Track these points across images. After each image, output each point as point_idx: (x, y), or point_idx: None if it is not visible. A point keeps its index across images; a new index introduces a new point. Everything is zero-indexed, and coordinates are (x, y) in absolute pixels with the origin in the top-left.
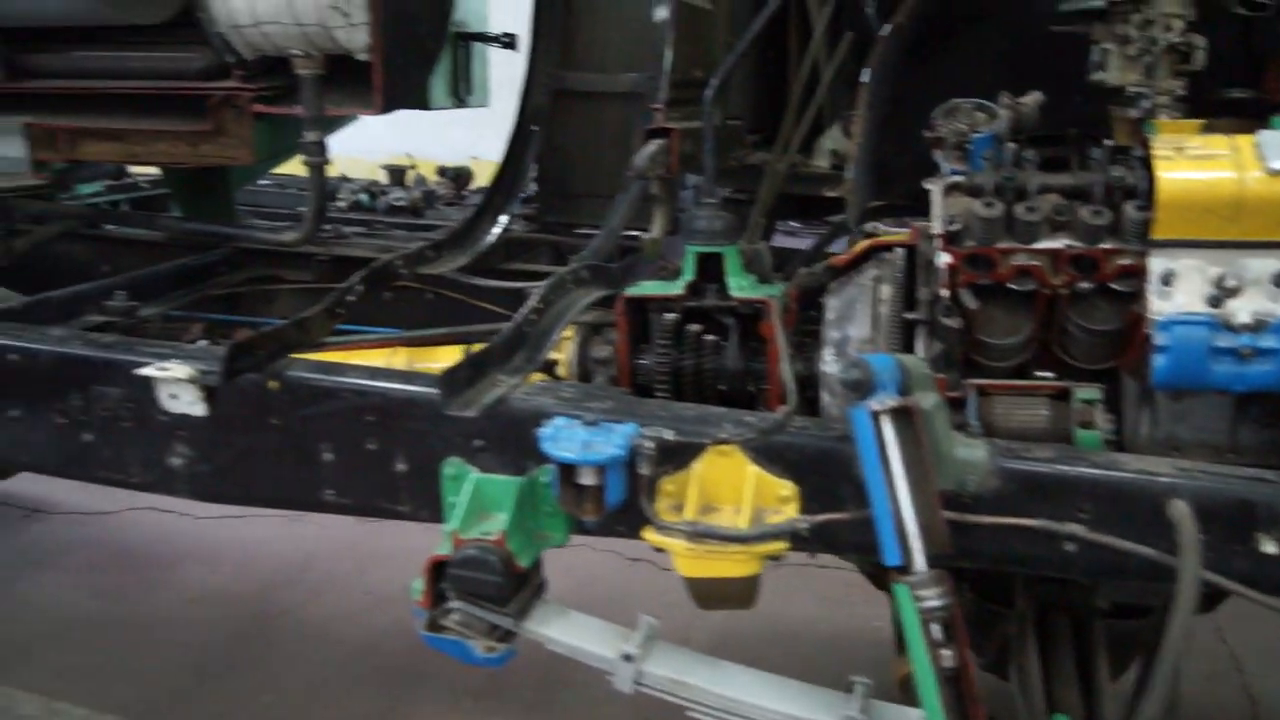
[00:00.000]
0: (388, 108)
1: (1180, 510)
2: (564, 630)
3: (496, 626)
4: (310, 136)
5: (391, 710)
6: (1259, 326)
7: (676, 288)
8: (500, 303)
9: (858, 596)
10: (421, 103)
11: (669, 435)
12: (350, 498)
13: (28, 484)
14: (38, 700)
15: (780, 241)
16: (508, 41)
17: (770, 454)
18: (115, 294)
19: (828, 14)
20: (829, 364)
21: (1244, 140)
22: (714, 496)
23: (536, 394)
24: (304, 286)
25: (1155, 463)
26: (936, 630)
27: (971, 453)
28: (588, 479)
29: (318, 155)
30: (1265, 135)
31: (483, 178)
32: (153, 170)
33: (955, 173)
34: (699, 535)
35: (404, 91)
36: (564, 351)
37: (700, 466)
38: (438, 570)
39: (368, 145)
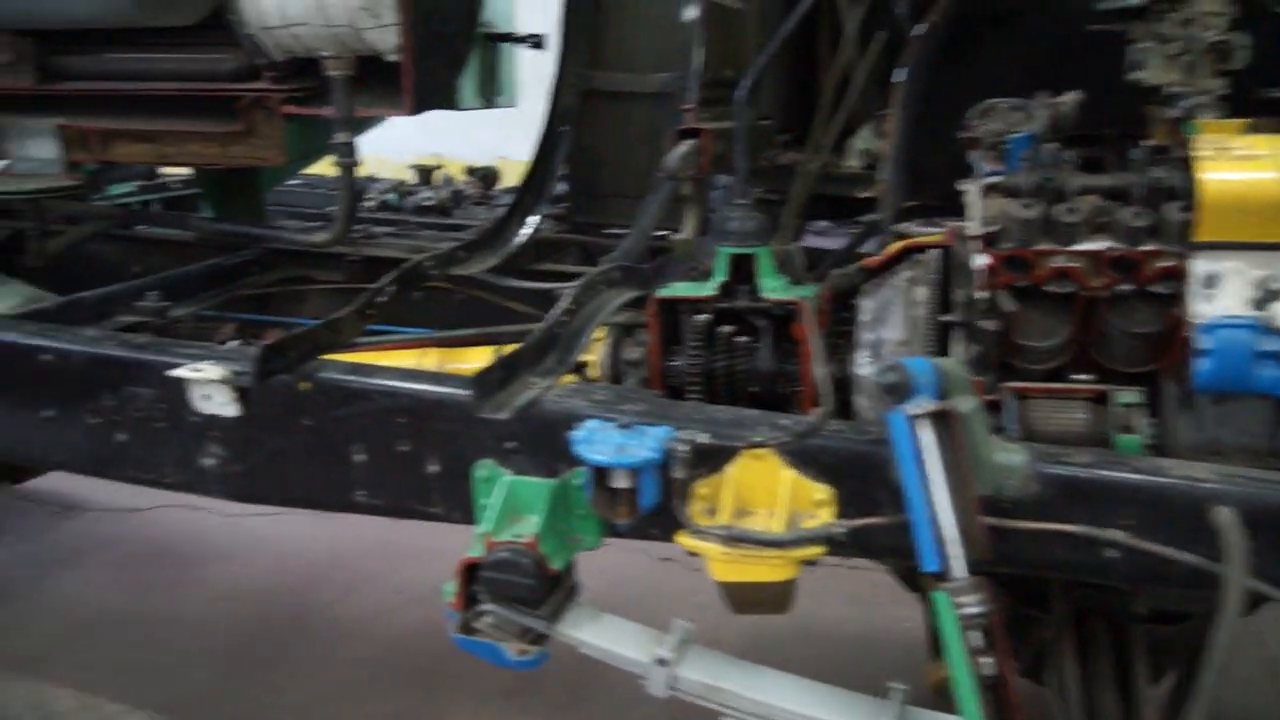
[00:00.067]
0: (418, 109)
1: (1226, 517)
2: (597, 634)
3: (529, 629)
4: (340, 137)
5: (421, 709)
6: None
7: (708, 289)
8: (530, 303)
9: (887, 596)
10: (450, 103)
11: (703, 438)
12: (382, 499)
13: (60, 481)
14: (70, 695)
15: (810, 242)
16: (536, 42)
17: (805, 457)
18: (147, 294)
19: (859, 14)
20: (863, 366)
21: None
22: (748, 500)
23: (569, 396)
24: (335, 287)
25: (1198, 468)
26: (976, 637)
27: (1010, 457)
28: (621, 482)
29: (348, 156)
30: None
31: (510, 178)
32: (184, 171)
33: (992, 174)
34: (734, 540)
35: (433, 92)
36: (595, 353)
37: (734, 470)
38: (470, 573)
39: (396, 145)
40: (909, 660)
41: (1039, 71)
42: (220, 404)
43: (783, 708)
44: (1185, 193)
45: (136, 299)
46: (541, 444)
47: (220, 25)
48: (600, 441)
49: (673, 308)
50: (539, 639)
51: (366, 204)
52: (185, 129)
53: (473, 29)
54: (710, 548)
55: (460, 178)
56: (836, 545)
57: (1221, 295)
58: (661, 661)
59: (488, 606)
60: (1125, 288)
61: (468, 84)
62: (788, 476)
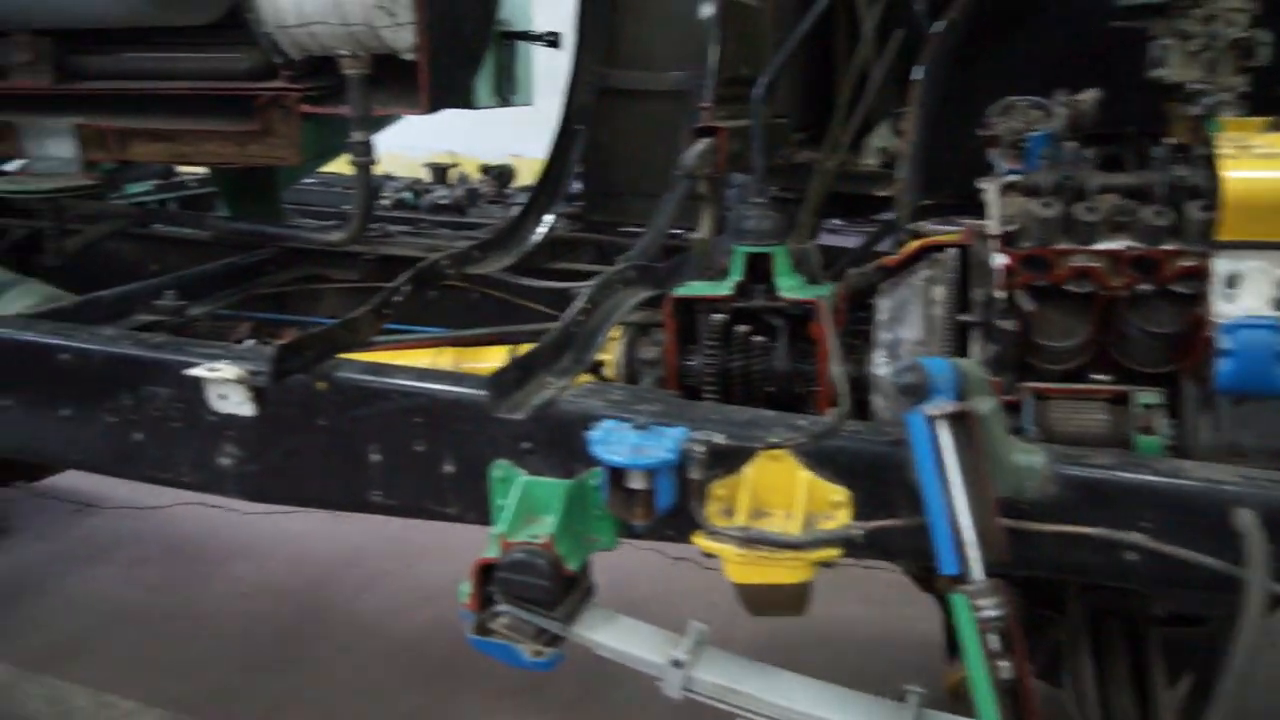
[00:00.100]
0: (434, 107)
1: (1248, 520)
2: (612, 635)
3: (544, 630)
4: (357, 136)
5: (436, 706)
6: None
7: (725, 288)
8: (545, 302)
9: (900, 597)
10: (466, 102)
11: (720, 439)
12: (397, 499)
13: (78, 479)
14: (88, 693)
15: (824, 240)
16: (551, 40)
17: (822, 458)
18: (164, 293)
19: (878, 12)
20: (881, 366)
21: None
22: (765, 501)
23: (585, 396)
24: (350, 285)
25: (1220, 470)
26: (994, 640)
27: (1029, 458)
28: (637, 483)
29: (364, 155)
30: None
31: (525, 176)
32: (200, 169)
33: (1011, 172)
34: (751, 541)
35: (450, 91)
36: (611, 352)
37: (751, 471)
38: (485, 573)
39: (411, 143)
40: (923, 661)
41: (1058, 69)
42: (236, 403)
43: (799, 711)
44: (1207, 191)
45: (154, 298)
46: (557, 444)
47: (237, 24)
48: (617, 442)
49: (689, 307)
50: (554, 640)
51: (382, 202)
52: (202, 128)
53: (489, 28)
54: (727, 549)
55: (475, 176)
56: (854, 547)
57: (1244, 295)
58: (677, 663)
59: (503, 607)
60: (1146, 287)
61: (483, 82)
62: (804, 478)
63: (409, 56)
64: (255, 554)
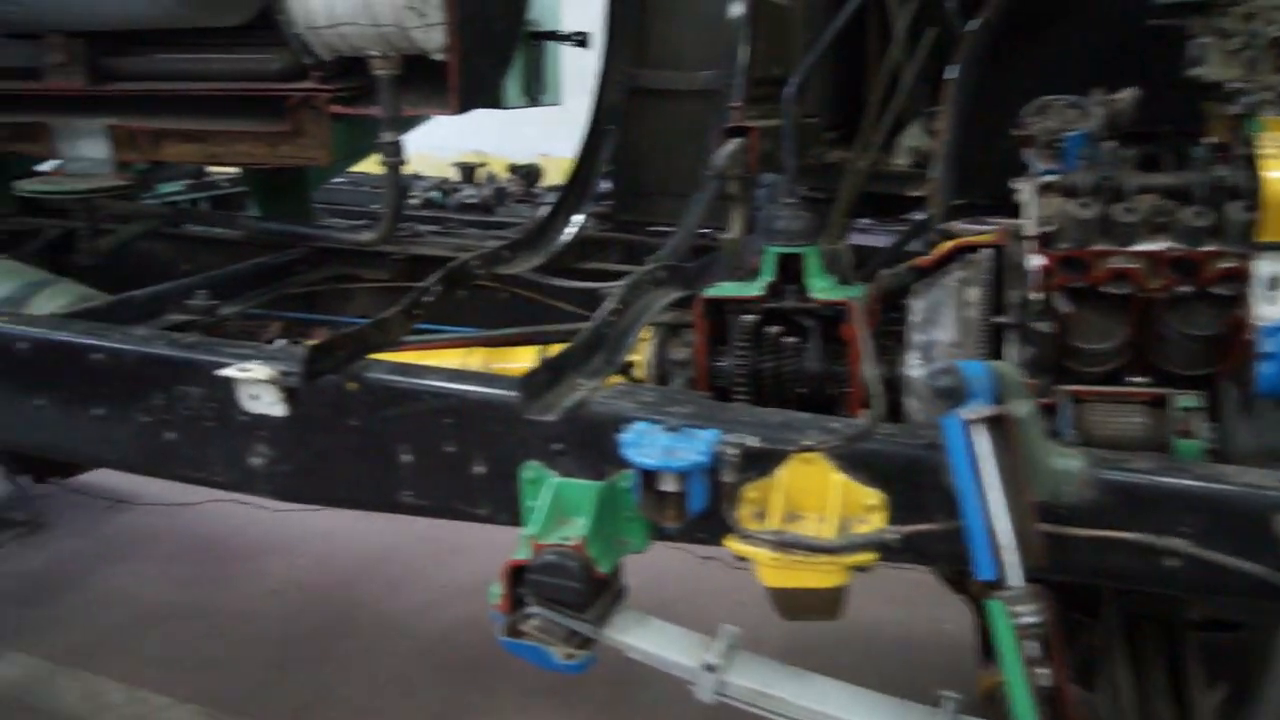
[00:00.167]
0: (464, 108)
1: None
2: (644, 638)
3: (576, 633)
4: (387, 137)
5: (467, 704)
6: None
7: (756, 289)
8: (575, 302)
9: (927, 598)
10: (496, 102)
11: (753, 442)
12: (428, 499)
13: (111, 476)
14: (122, 689)
15: (854, 240)
16: (580, 40)
17: (856, 461)
18: (196, 293)
19: (910, 11)
20: (914, 368)
21: None
22: (798, 505)
23: (617, 398)
24: (380, 285)
25: (1261, 475)
26: (1032, 647)
27: (1067, 462)
28: (669, 486)
29: (394, 155)
30: None
31: (553, 175)
32: (231, 169)
33: (1048, 172)
34: (785, 545)
35: (479, 91)
36: (641, 353)
37: (784, 474)
38: (516, 575)
39: (439, 142)
40: (951, 663)
41: (1092, 67)
42: (268, 404)
43: (832, 715)
44: (1248, 192)
45: (185, 297)
46: (589, 446)
47: (268, 25)
48: (648, 444)
49: (719, 308)
50: (586, 643)
51: (411, 202)
52: (233, 129)
53: (518, 28)
54: (760, 553)
55: (503, 175)
56: (889, 551)
57: None
58: (709, 667)
59: (534, 609)
60: (1185, 289)
61: (512, 82)
62: (838, 481)
63: (439, 57)
64: (285, 551)
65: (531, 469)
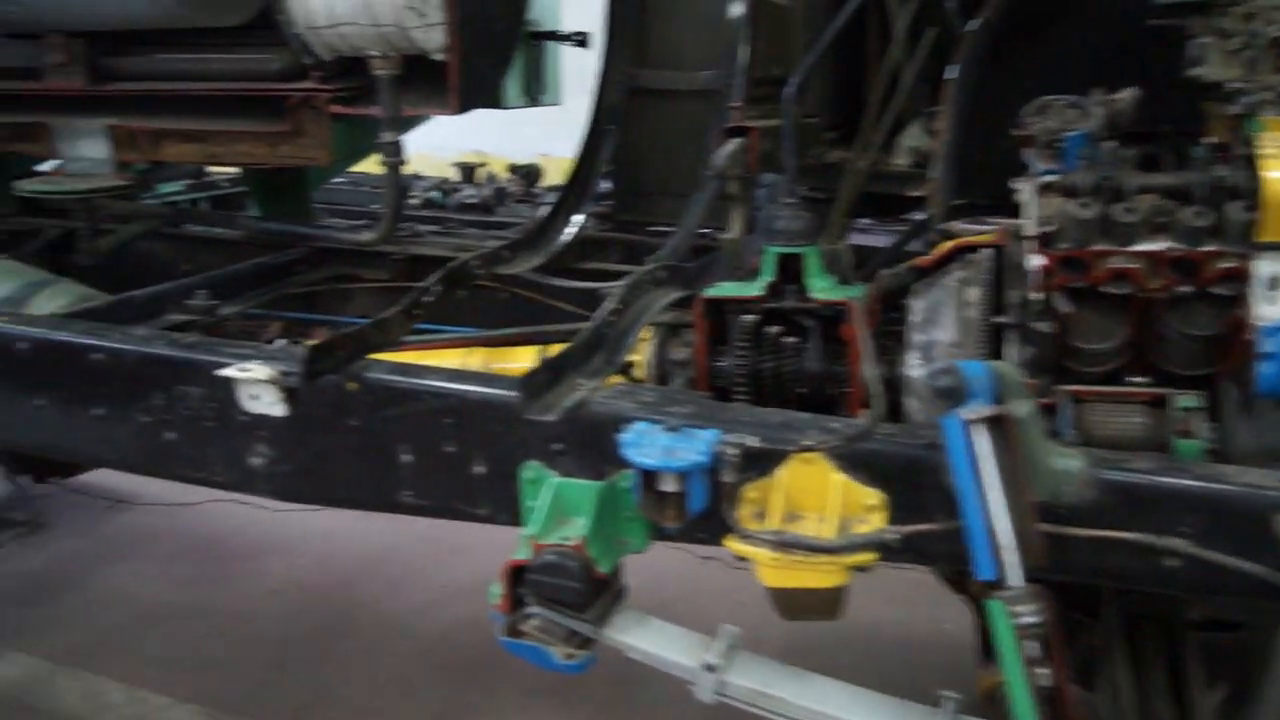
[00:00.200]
0: (464, 108)
1: None
2: (644, 638)
3: (576, 633)
4: (387, 137)
5: (467, 704)
6: None
7: (755, 289)
8: (575, 302)
9: (926, 597)
10: (496, 102)
11: (753, 442)
12: (428, 499)
13: (111, 476)
14: (121, 689)
15: (853, 240)
16: (581, 39)
17: (856, 461)
18: (196, 293)
19: (910, 11)
20: (914, 368)
21: None
22: (798, 504)
23: (617, 398)
24: (380, 285)
25: (1261, 475)
26: (1032, 647)
27: (1067, 463)
28: (669, 486)
29: (394, 155)
30: None
31: (553, 175)
32: (231, 169)
33: (1048, 172)
34: (785, 545)
35: (479, 91)
36: (641, 353)
37: (784, 474)
38: (516, 575)
39: (439, 142)
40: (951, 663)
41: (1092, 67)
42: (268, 404)
43: (832, 715)
44: (1248, 192)
45: (185, 297)
46: (589, 446)
47: (268, 25)
48: (648, 444)
49: (719, 308)
50: (586, 642)
51: (410, 202)
52: (233, 129)
53: (519, 28)
54: (760, 553)
55: (503, 175)
56: (889, 551)
57: None
58: (709, 667)
59: (534, 609)
60: (1185, 289)
61: (512, 82)
62: (838, 481)
63: (439, 57)
64: (285, 551)
65: (531, 469)
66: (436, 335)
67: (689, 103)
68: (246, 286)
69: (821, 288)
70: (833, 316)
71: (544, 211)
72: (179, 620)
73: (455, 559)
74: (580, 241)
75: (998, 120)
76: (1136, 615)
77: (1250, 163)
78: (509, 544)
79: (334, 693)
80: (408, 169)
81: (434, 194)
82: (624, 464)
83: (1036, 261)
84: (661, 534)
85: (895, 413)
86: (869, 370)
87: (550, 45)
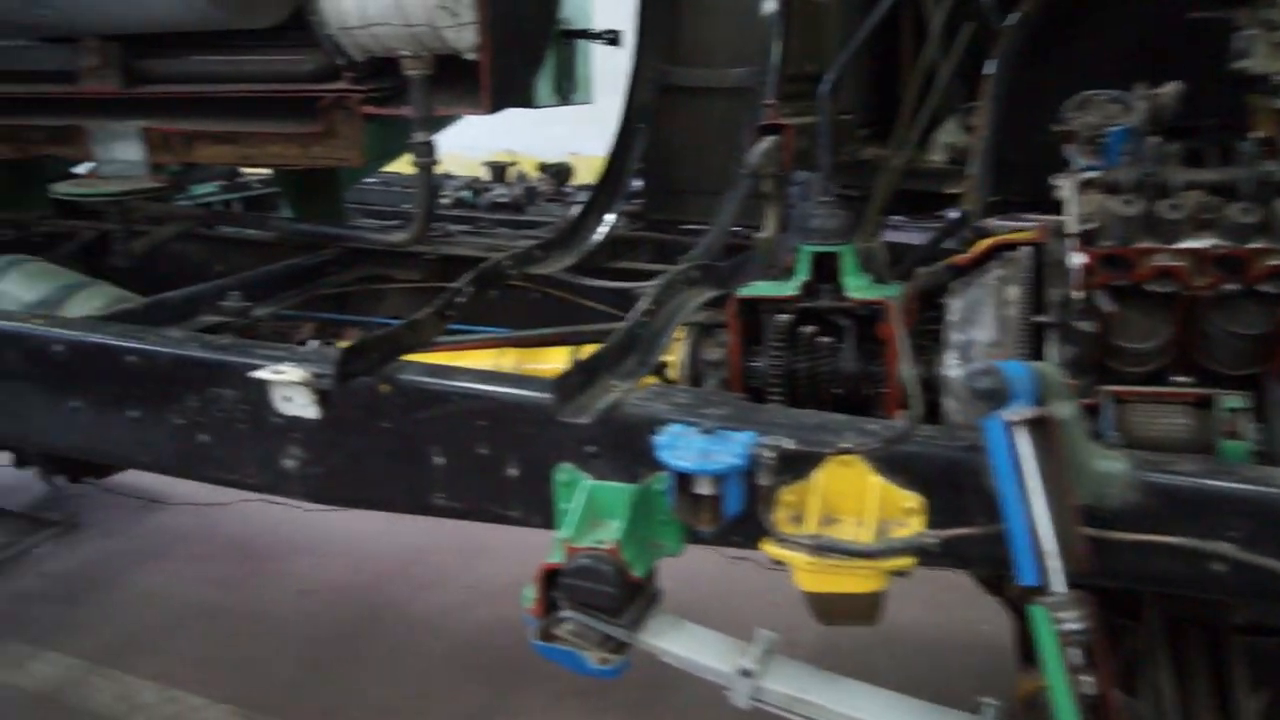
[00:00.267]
0: (496, 107)
1: None
2: (679, 643)
3: (610, 637)
4: (419, 137)
5: (497, 706)
6: None
7: (790, 288)
8: (607, 302)
9: (961, 599)
10: (527, 101)
11: (789, 444)
12: (460, 502)
13: (144, 475)
14: (155, 688)
15: (884, 237)
16: (612, 38)
17: (894, 464)
18: (229, 294)
19: (946, 7)
20: (952, 368)
21: None
22: (835, 508)
23: (651, 399)
24: (413, 285)
25: None
26: (1076, 655)
27: (1111, 465)
28: (705, 489)
29: (426, 156)
30: None
31: (583, 174)
32: (264, 170)
33: (1089, 168)
34: (822, 549)
35: (511, 90)
36: (675, 353)
37: (821, 476)
38: (550, 578)
39: (470, 142)
40: (987, 664)
41: (1134, 61)
42: (301, 406)
43: None
44: None
45: (219, 299)
46: (623, 448)
47: (300, 27)
48: (684, 447)
49: (754, 307)
50: (620, 647)
51: (441, 201)
52: (266, 130)
53: (550, 27)
54: (797, 557)
55: (533, 174)
56: (928, 556)
57: None
58: (745, 673)
59: (568, 613)
60: (1231, 287)
61: (544, 81)
62: (876, 483)
63: (471, 56)
64: (316, 551)
65: (565, 471)
66: (469, 336)
67: (721, 100)
68: (279, 287)
69: (857, 286)
70: (869, 316)
71: (575, 211)
72: (211, 620)
73: (484, 560)
74: (612, 240)
75: (1036, 116)
76: (1179, 619)
77: None
78: (537, 545)
79: (364, 693)
80: (439, 169)
81: (465, 193)
82: (658, 466)
83: (1078, 259)
84: (696, 537)
85: (933, 413)
86: (907, 370)
87: (581, 43)
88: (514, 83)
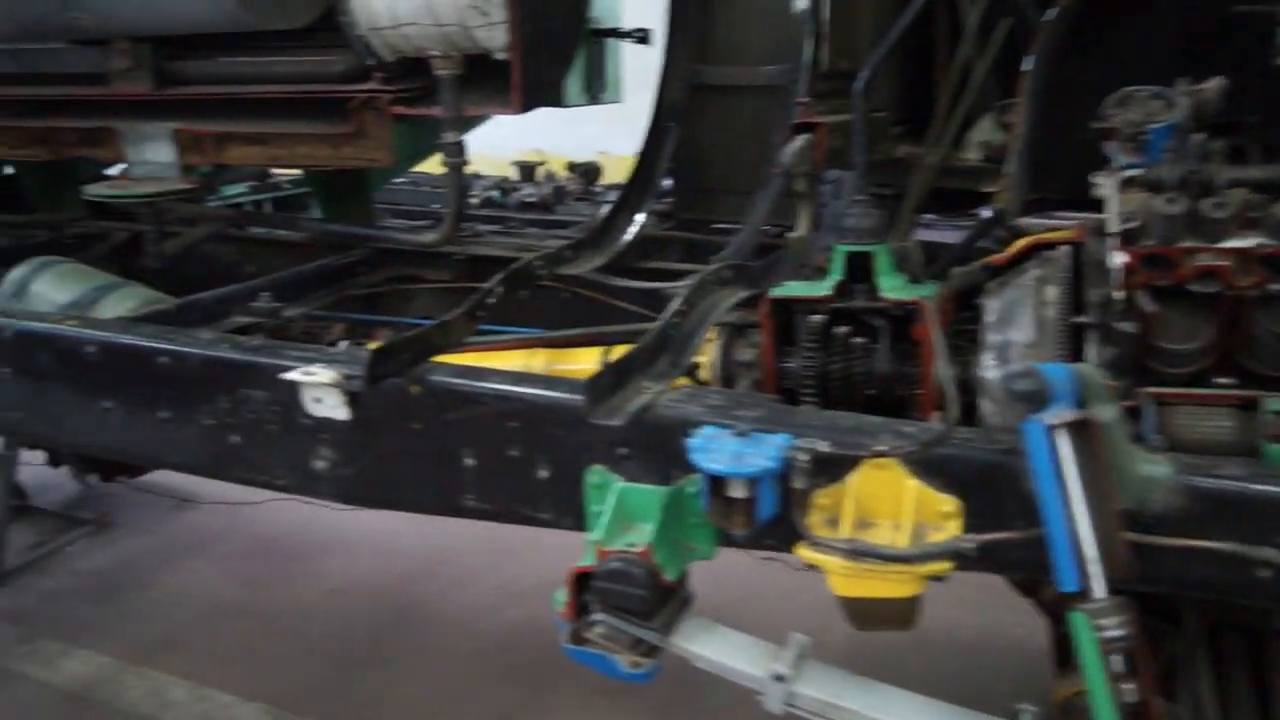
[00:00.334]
0: (526, 107)
1: None
2: (711, 646)
3: (642, 641)
4: (449, 137)
5: (525, 706)
6: None
7: (824, 288)
8: (637, 302)
9: (995, 600)
10: (557, 101)
11: (824, 447)
12: (491, 503)
13: (176, 474)
14: (187, 686)
15: (916, 236)
16: (642, 36)
17: (931, 467)
18: (260, 295)
19: (982, 3)
20: (989, 369)
21: None
22: (871, 511)
23: (684, 401)
24: (442, 286)
25: None
26: (1117, 662)
27: (1154, 469)
28: (738, 492)
29: (457, 156)
30: None
31: (612, 173)
32: (294, 171)
33: (1130, 166)
34: (857, 554)
35: (542, 90)
36: (707, 354)
37: (856, 480)
38: (581, 581)
39: (499, 141)
40: (1020, 666)
41: (1177, 56)
42: (331, 407)
43: None
44: None
45: (250, 300)
46: (655, 450)
47: (331, 27)
48: (717, 449)
49: (786, 308)
50: (652, 650)
51: (470, 201)
52: (296, 131)
53: (580, 26)
54: (832, 561)
55: (562, 174)
56: (965, 560)
57: None
58: (779, 678)
59: (599, 616)
60: (1276, 287)
61: (574, 80)
62: (912, 487)
63: (501, 56)
64: (346, 550)
65: (597, 474)
66: (499, 337)
67: (752, 99)
68: (310, 288)
69: (892, 286)
70: (903, 316)
71: (605, 210)
72: (241, 618)
73: (513, 560)
74: (642, 240)
75: (1074, 113)
76: (1219, 623)
77: None
78: (566, 546)
79: (394, 692)
80: (468, 169)
81: (493, 193)
82: (691, 469)
83: (1119, 259)
84: (729, 540)
85: (968, 415)
86: (943, 371)
87: (611, 42)
88: (544, 82)
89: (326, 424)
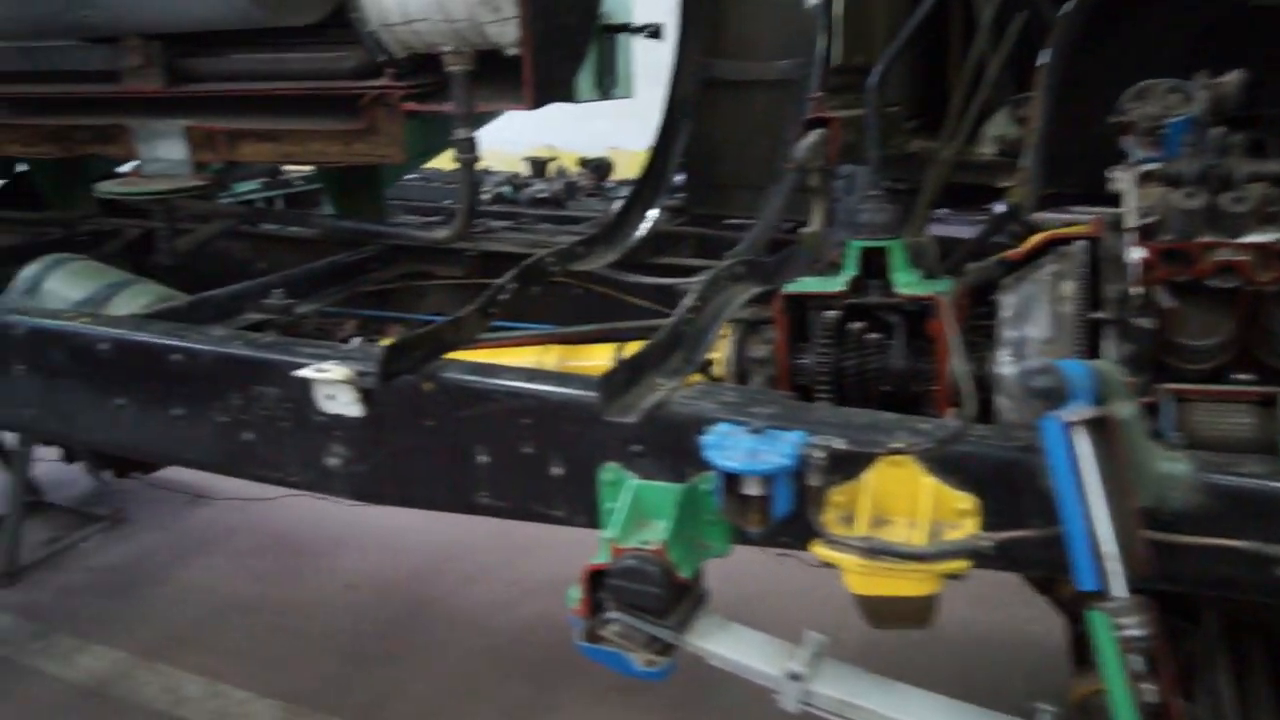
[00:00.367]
0: (538, 102)
1: None
2: (726, 645)
3: (656, 639)
4: (461, 133)
5: (539, 702)
6: None
7: (838, 284)
8: (650, 298)
9: (1010, 597)
10: (569, 96)
11: (839, 444)
12: (505, 501)
13: (189, 470)
14: (201, 682)
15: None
16: (654, 31)
17: (947, 464)
18: (273, 292)
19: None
20: (1006, 365)
21: None
22: (887, 509)
23: (698, 398)
24: (455, 282)
25: None
26: (1137, 662)
27: (1173, 466)
28: (753, 489)
29: (468, 152)
30: None
31: (624, 168)
32: (306, 168)
33: (1148, 160)
34: (874, 552)
35: (553, 86)
36: (720, 350)
37: (872, 477)
38: (595, 579)
39: (510, 137)
40: (1035, 664)
41: (1195, 49)
42: (344, 404)
43: None
44: None
45: (262, 296)
46: (669, 447)
47: (342, 24)
48: (731, 447)
49: (800, 304)
50: (666, 648)
51: (481, 197)
52: (308, 128)
53: (592, 21)
54: (848, 559)
55: (573, 169)
56: (982, 559)
57: None
58: (794, 676)
59: (614, 614)
60: None
61: (585, 76)
62: (929, 484)
63: (513, 52)
64: (359, 546)
65: (610, 471)
66: (512, 333)
67: (764, 93)
68: (322, 285)
69: (907, 282)
70: (918, 312)
71: (618, 206)
72: (255, 614)
73: (525, 557)
74: (654, 236)
75: (1090, 107)
76: (1239, 622)
77: None
78: (578, 543)
79: (407, 688)
80: (479, 165)
81: (505, 189)
82: (705, 466)
83: (1137, 254)
84: (744, 538)
85: (984, 412)
86: (960, 368)
87: (623, 37)
88: (556, 78)
89: (339, 421)
